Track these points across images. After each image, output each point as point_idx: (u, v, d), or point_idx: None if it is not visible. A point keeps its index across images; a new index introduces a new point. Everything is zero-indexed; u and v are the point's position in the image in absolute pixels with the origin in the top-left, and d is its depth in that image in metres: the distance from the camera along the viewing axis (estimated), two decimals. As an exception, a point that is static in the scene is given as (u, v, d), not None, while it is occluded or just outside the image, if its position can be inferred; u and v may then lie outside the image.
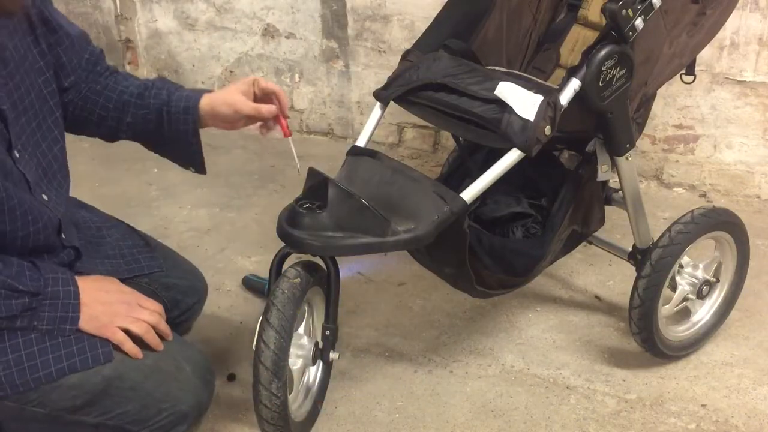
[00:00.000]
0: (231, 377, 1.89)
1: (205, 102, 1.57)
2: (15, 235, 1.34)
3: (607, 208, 1.89)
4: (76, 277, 1.40)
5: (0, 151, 1.31)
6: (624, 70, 1.56)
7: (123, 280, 1.61)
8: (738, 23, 2.47)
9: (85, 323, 1.38)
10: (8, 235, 1.34)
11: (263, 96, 1.59)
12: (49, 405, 1.40)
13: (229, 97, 1.56)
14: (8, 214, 1.31)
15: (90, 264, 1.55)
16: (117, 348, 1.40)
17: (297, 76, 3.15)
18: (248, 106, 1.56)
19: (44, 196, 1.43)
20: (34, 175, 1.41)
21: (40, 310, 1.34)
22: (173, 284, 1.70)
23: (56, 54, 1.50)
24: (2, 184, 1.29)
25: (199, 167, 1.65)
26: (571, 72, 1.55)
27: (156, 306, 1.47)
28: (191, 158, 1.64)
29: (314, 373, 1.75)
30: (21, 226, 1.35)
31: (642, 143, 2.72)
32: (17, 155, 1.36)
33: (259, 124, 1.63)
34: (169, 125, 1.58)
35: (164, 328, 1.46)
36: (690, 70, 1.86)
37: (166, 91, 1.58)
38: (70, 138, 1.53)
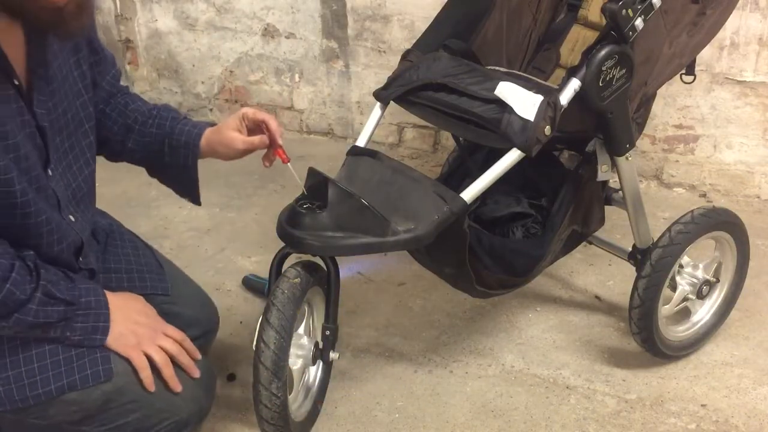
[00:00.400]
0: (231, 377, 1.89)
1: (204, 141, 1.59)
2: (39, 251, 1.34)
3: (607, 208, 1.89)
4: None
5: (37, 166, 1.32)
6: (624, 70, 1.56)
7: None
8: (738, 23, 2.47)
9: (113, 340, 1.38)
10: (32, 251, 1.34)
11: (255, 127, 1.59)
12: (48, 418, 1.40)
13: (224, 138, 1.57)
14: (34, 228, 1.31)
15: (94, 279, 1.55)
16: (124, 359, 1.40)
17: (297, 76, 3.15)
18: (241, 142, 1.56)
19: (71, 217, 1.44)
20: (64, 196, 1.41)
21: (74, 321, 1.35)
22: (176, 313, 1.66)
23: (92, 75, 1.51)
24: (34, 197, 1.29)
25: (194, 198, 1.66)
26: (571, 72, 1.55)
27: (178, 335, 1.47)
28: (188, 189, 1.65)
29: (314, 373, 1.75)
30: (46, 243, 1.35)
31: (642, 143, 2.72)
32: (50, 173, 1.36)
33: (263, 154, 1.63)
34: (169, 156, 1.60)
35: (184, 360, 1.46)
36: (690, 70, 1.86)
37: (169, 123, 1.60)
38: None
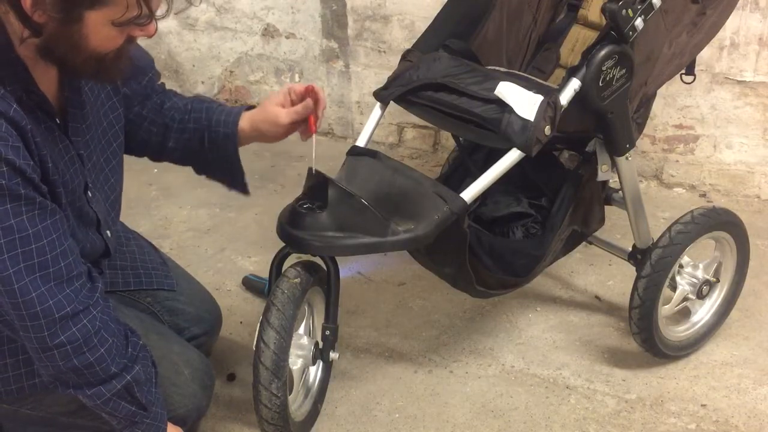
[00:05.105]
0: (231, 377, 1.89)
1: (245, 124, 1.58)
2: None
3: (607, 208, 1.89)
4: None
5: (78, 192, 1.33)
6: (624, 70, 1.56)
7: (127, 292, 1.61)
8: (738, 23, 2.47)
9: None
10: None
11: (301, 101, 1.58)
12: (44, 409, 1.40)
13: (268, 114, 1.56)
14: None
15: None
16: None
17: (297, 76, 3.14)
18: (287, 115, 1.55)
19: (108, 233, 1.45)
20: (104, 212, 1.43)
21: (139, 426, 1.36)
22: (180, 310, 1.69)
23: (125, 86, 1.52)
24: (72, 222, 1.30)
25: (243, 188, 1.66)
26: (571, 72, 1.55)
27: None
28: (235, 180, 1.64)
29: (314, 373, 1.75)
30: None
31: (642, 143, 2.72)
32: (90, 195, 1.37)
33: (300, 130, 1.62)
34: (211, 151, 1.59)
35: None
36: (690, 70, 1.86)
37: (205, 115, 1.58)
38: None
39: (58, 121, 1.28)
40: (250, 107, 1.61)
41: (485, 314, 2.12)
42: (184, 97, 1.63)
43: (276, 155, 2.92)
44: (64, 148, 1.29)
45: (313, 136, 1.58)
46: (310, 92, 1.57)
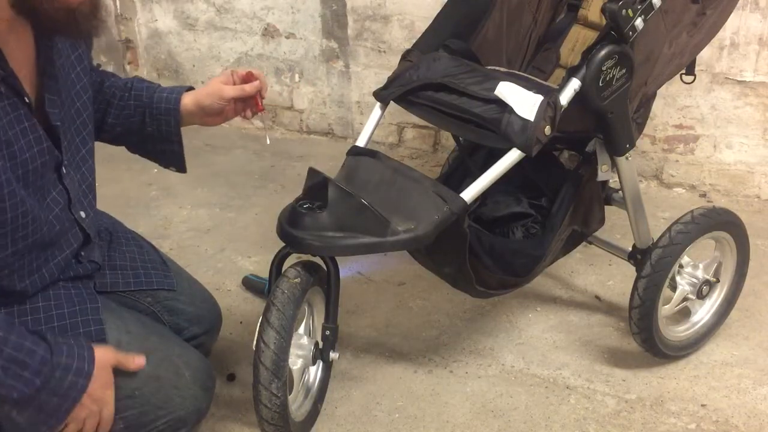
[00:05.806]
0: (231, 377, 1.89)
1: (188, 100, 1.61)
2: (33, 248, 1.33)
3: (607, 208, 1.89)
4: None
5: (48, 167, 1.32)
6: (624, 70, 1.56)
7: (127, 292, 1.61)
8: (738, 23, 2.47)
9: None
10: (26, 251, 1.32)
11: (243, 83, 1.63)
12: None
13: (212, 89, 1.60)
14: (26, 229, 1.30)
15: (99, 275, 1.55)
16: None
17: (297, 76, 3.15)
18: (232, 89, 1.60)
19: (82, 214, 1.44)
20: (77, 192, 1.42)
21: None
22: (180, 310, 1.68)
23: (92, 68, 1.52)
24: (32, 205, 1.28)
25: (180, 166, 1.67)
26: (571, 72, 1.55)
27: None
28: (173, 158, 1.66)
29: (314, 373, 1.75)
30: (40, 240, 1.33)
31: (642, 143, 2.72)
32: (64, 171, 1.36)
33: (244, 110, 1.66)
34: (151, 126, 1.61)
35: None
36: (690, 70, 1.86)
37: (146, 92, 1.61)
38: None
39: (27, 100, 1.27)
40: (191, 88, 1.64)
41: (485, 314, 2.12)
42: (121, 78, 1.65)
43: (276, 155, 2.92)
44: (31, 127, 1.28)
45: (260, 114, 1.65)
46: (251, 76, 1.63)
